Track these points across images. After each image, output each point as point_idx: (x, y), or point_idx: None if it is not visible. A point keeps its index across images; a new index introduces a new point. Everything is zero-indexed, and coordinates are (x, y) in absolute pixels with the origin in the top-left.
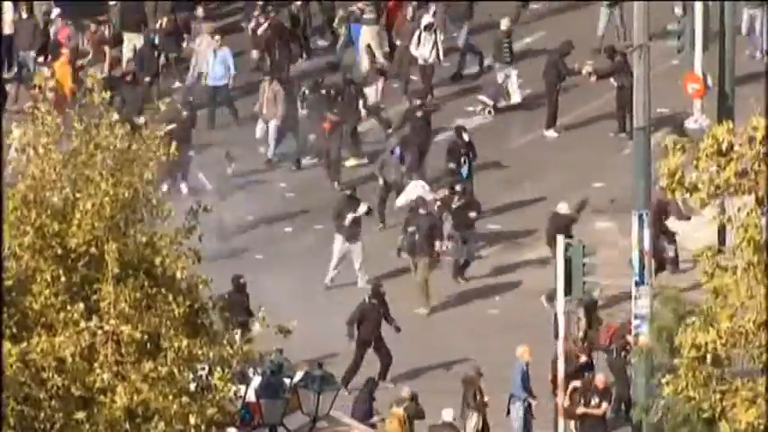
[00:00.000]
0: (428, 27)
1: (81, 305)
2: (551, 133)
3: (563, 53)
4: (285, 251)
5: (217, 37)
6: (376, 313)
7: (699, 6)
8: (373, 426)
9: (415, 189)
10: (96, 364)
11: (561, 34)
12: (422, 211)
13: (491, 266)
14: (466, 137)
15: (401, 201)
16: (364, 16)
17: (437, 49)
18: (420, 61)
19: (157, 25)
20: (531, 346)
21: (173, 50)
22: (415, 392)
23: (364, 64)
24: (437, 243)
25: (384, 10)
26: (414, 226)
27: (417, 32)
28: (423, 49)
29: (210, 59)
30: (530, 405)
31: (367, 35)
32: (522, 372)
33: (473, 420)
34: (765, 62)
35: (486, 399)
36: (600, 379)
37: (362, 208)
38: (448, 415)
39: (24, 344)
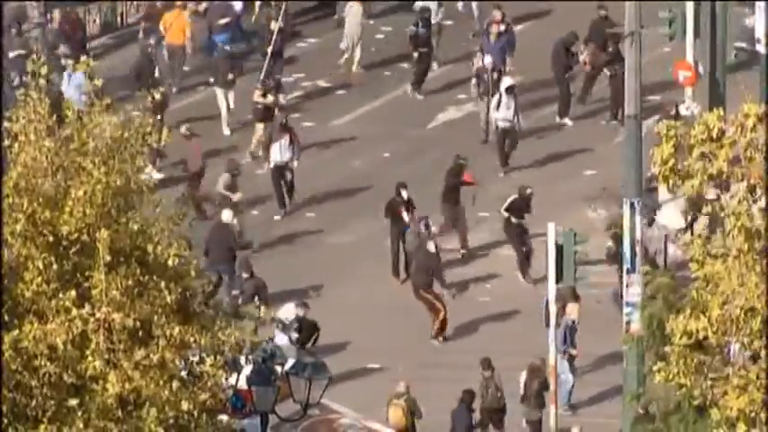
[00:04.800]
0: (509, 89)
1: (73, 293)
2: (566, 121)
3: (568, 43)
4: None
5: (70, 61)
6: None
7: None
8: None
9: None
10: (88, 352)
11: (555, 22)
12: (245, 275)
13: (482, 254)
14: (405, 194)
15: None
16: None
17: (518, 113)
18: (502, 125)
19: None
20: (523, 333)
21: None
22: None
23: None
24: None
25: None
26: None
27: (498, 95)
28: (506, 113)
29: (65, 83)
30: (571, 357)
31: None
32: (567, 327)
33: (537, 408)
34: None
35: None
36: None
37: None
38: None
39: (16, 331)
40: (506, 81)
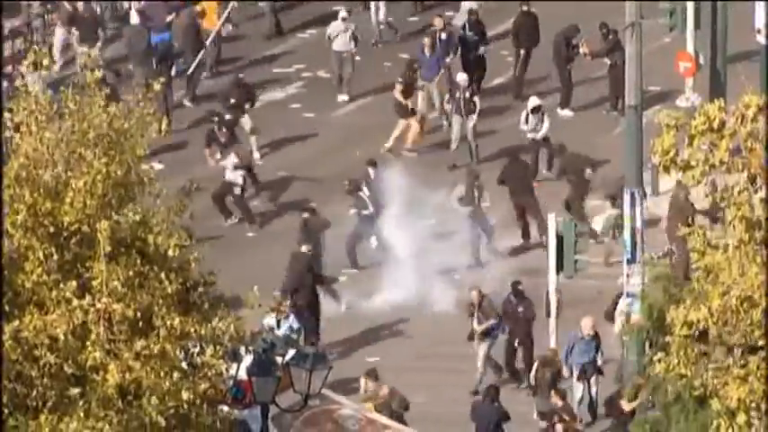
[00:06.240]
0: (535, 110)
1: (73, 283)
2: (566, 112)
3: (568, 37)
4: None
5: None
6: None
7: None
8: None
9: None
10: (89, 342)
11: (552, 13)
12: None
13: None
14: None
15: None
16: None
17: (545, 127)
18: (531, 135)
19: None
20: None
21: None
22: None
23: None
24: None
25: None
26: None
27: (525, 113)
28: (535, 126)
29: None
30: (584, 369)
31: None
32: (576, 339)
33: (550, 399)
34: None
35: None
36: None
37: None
38: None
39: (17, 322)
40: (533, 101)
